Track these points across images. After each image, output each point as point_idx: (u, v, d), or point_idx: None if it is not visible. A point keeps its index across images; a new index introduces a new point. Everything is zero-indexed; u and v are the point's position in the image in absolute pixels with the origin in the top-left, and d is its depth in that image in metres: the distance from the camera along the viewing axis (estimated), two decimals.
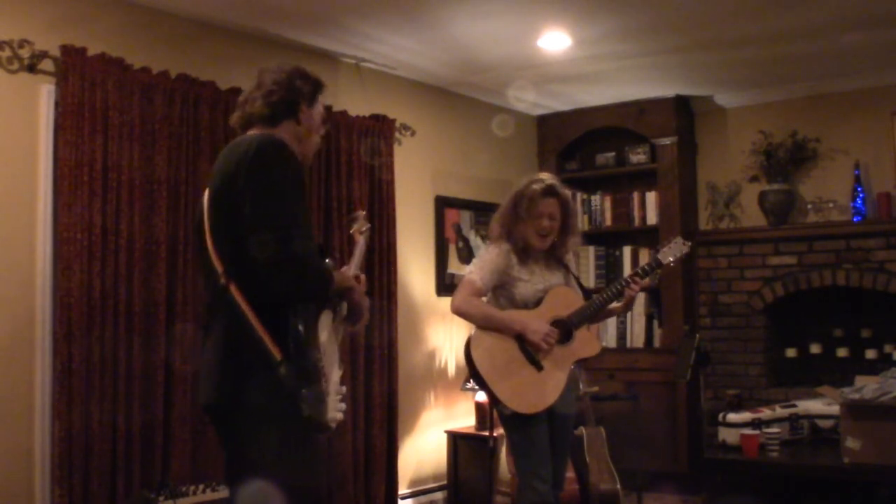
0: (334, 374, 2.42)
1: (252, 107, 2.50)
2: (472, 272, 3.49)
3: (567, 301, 3.50)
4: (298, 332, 2.23)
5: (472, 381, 3.63)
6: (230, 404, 2.33)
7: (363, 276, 2.66)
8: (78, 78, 3.75)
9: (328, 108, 4.55)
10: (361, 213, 3.02)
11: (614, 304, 3.54)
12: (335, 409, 2.37)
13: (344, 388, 2.46)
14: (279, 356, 2.23)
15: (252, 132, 2.48)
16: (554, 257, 3.57)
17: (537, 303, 3.45)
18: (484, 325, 3.42)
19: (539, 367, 3.37)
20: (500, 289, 3.49)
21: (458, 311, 3.46)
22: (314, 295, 2.34)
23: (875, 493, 4.44)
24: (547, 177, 3.57)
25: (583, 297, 3.57)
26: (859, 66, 5.37)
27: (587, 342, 3.52)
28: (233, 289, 2.29)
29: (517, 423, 3.39)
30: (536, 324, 3.36)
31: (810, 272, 5.62)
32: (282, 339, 2.24)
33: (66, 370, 3.64)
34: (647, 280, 3.59)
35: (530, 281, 3.47)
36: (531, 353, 3.38)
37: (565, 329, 3.44)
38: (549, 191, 3.47)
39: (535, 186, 3.48)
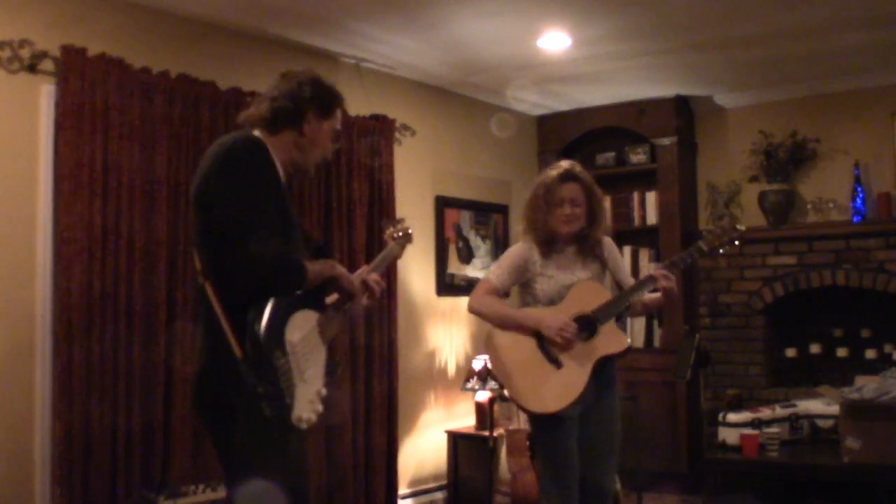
0: (310, 373, 2.37)
1: (258, 108, 2.51)
2: (490, 270, 3.42)
3: (592, 296, 3.31)
4: (255, 331, 2.22)
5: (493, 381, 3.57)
6: (210, 403, 2.38)
7: (376, 276, 2.69)
8: (78, 78, 3.75)
9: None
10: (401, 221, 3.09)
11: (650, 298, 3.36)
12: (306, 409, 2.33)
13: (325, 391, 2.43)
14: (240, 354, 2.24)
15: (242, 132, 2.49)
16: (589, 251, 3.40)
17: (562, 299, 3.32)
18: (499, 324, 3.32)
19: (558, 365, 3.24)
20: (524, 286, 3.39)
21: (473, 311, 3.40)
22: (284, 290, 2.33)
23: (875, 493, 4.44)
24: (566, 162, 3.44)
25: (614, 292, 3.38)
26: (859, 66, 5.37)
27: (612, 338, 3.29)
28: (208, 288, 2.33)
29: (542, 424, 3.28)
30: (551, 318, 3.23)
31: (810, 272, 5.62)
32: (244, 337, 2.26)
33: (66, 370, 3.64)
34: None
35: (554, 277, 3.33)
36: (550, 350, 3.26)
37: (589, 325, 3.27)
38: (568, 175, 3.35)
39: (553, 172, 3.37)
